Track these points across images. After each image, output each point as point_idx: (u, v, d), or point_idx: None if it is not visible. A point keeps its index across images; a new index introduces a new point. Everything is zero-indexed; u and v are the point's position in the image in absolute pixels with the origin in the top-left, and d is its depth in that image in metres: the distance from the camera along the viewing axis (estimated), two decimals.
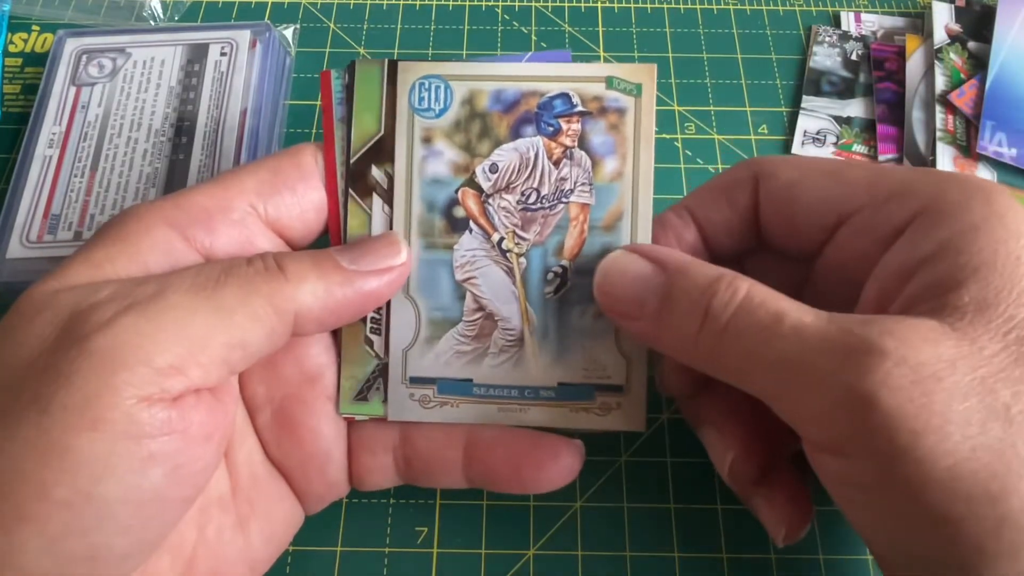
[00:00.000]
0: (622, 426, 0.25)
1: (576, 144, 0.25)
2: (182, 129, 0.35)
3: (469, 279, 0.25)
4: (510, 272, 0.25)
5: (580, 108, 0.25)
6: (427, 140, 0.25)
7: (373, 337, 0.25)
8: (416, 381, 0.25)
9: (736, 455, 0.24)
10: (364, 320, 0.25)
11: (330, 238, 0.26)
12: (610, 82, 0.25)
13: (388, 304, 0.25)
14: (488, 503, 0.29)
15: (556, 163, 0.25)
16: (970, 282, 0.19)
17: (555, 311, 0.25)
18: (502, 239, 0.25)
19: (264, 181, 0.23)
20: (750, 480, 0.25)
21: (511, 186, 0.25)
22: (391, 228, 0.25)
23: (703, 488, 0.30)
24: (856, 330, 0.19)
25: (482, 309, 0.25)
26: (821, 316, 0.20)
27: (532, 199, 0.25)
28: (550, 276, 0.25)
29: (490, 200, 0.25)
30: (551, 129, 0.25)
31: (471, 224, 0.25)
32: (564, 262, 0.25)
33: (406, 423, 0.26)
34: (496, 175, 0.25)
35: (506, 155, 0.25)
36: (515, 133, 0.25)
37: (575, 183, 0.25)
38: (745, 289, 0.21)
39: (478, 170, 0.25)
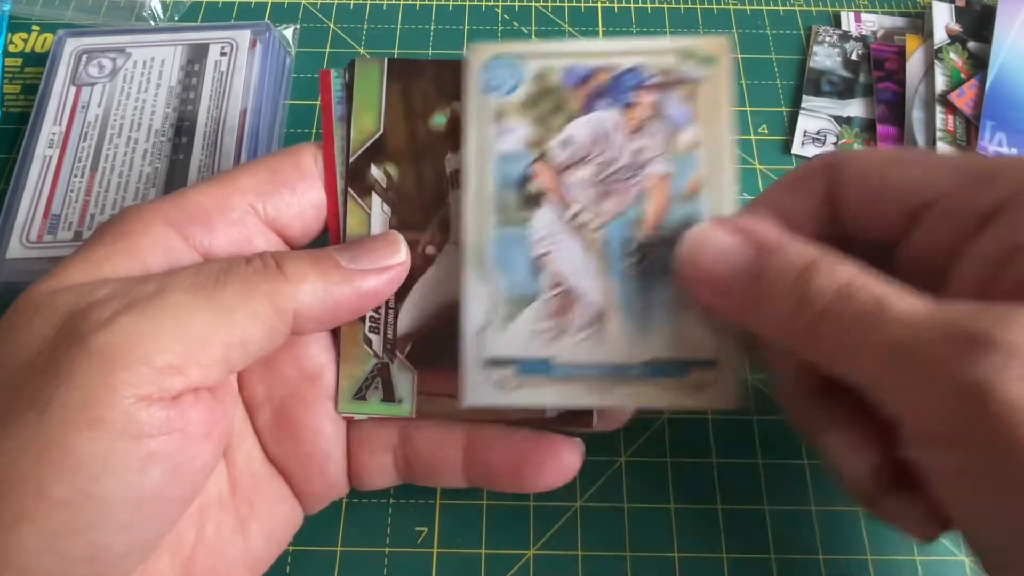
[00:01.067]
0: (717, 404, 0.24)
1: (652, 115, 0.24)
2: (182, 129, 0.35)
3: (545, 255, 0.24)
4: (588, 246, 0.24)
5: (654, 80, 0.24)
6: (499, 117, 0.25)
7: (372, 336, 0.25)
8: (494, 363, 0.24)
9: (879, 461, 0.22)
10: (363, 319, 0.25)
11: (329, 237, 0.26)
12: (684, 53, 0.24)
13: (388, 303, 0.25)
14: (488, 503, 0.29)
15: (632, 134, 0.24)
16: None
17: (638, 285, 0.24)
18: (577, 212, 0.24)
19: (263, 180, 0.24)
20: (887, 487, 0.23)
21: (586, 159, 0.24)
22: (457, 212, 0.25)
23: (703, 488, 0.30)
24: (964, 318, 0.18)
25: (560, 285, 0.24)
26: (926, 303, 0.18)
27: (609, 171, 0.24)
28: (631, 249, 0.24)
29: (565, 174, 0.24)
30: (625, 101, 0.24)
31: (546, 199, 0.24)
32: (646, 234, 0.24)
33: (405, 422, 0.26)
34: (570, 148, 0.24)
35: (580, 128, 0.24)
36: (588, 107, 0.24)
37: (653, 154, 0.24)
38: (847, 271, 0.20)
39: (552, 144, 0.24)
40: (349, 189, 0.25)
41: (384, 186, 0.25)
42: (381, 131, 0.25)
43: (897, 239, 0.24)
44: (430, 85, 0.26)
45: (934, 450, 0.19)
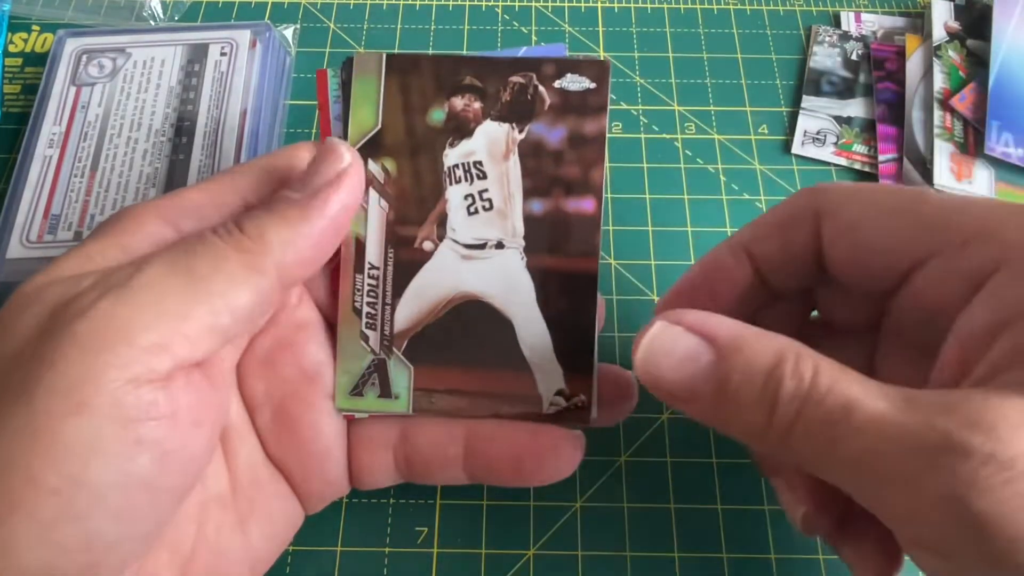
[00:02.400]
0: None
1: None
2: (182, 129, 0.35)
3: None
4: None
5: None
6: None
7: (368, 332, 0.25)
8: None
9: (807, 511, 0.22)
10: (360, 315, 0.25)
11: None
12: None
13: (385, 299, 0.25)
14: (488, 503, 0.29)
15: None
16: None
17: None
18: None
19: (259, 179, 0.24)
20: (825, 533, 0.23)
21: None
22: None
23: (703, 488, 0.30)
24: (937, 421, 0.17)
25: None
26: (895, 402, 0.17)
27: None
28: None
29: None
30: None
31: None
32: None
33: (405, 420, 0.26)
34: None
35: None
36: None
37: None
38: (811, 373, 0.18)
39: None
40: None
41: (381, 181, 0.25)
42: (379, 126, 0.25)
43: (888, 292, 0.23)
44: (428, 80, 0.25)
45: (927, 557, 0.18)
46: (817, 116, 0.39)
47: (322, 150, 0.23)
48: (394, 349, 0.26)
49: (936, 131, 0.37)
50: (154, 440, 0.19)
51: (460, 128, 0.25)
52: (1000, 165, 0.36)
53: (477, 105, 0.25)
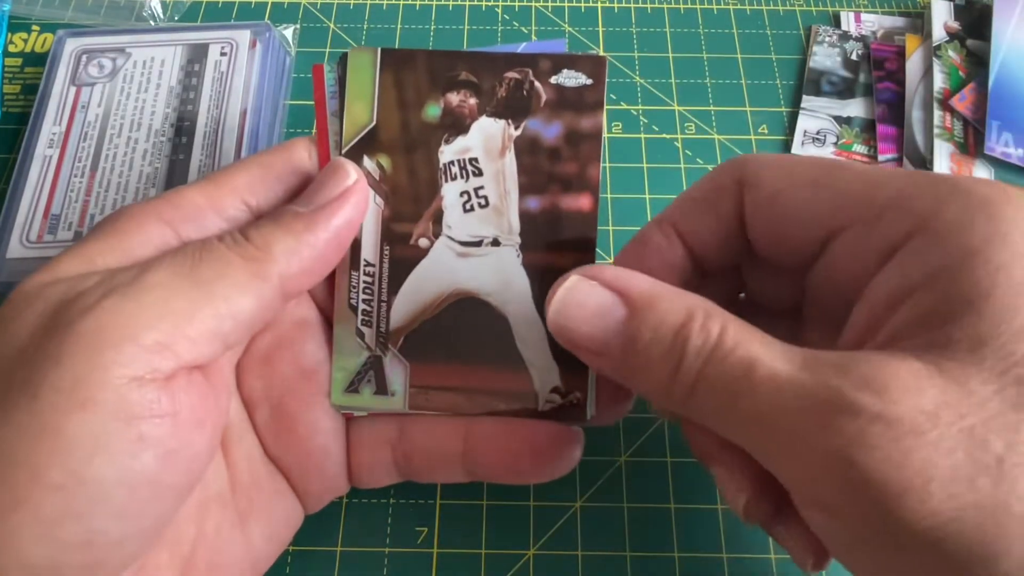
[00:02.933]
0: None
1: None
2: (182, 129, 0.35)
3: None
4: None
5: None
6: None
7: (364, 329, 0.25)
8: None
9: (749, 498, 0.22)
10: (356, 312, 0.25)
11: None
12: None
13: (381, 295, 0.25)
14: (488, 503, 0.29)
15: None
16: (962, 316, 0.17)
17: None
18: None
19: (256, 177, 0.24)
20: (767, 519, 0.23)
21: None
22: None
23: (703, 488, 0.30)
24: (831, 381, 0.17)
25: None
26: (795, 360, 0.18)
27: None
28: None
29: None
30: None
31: None
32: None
33: (404, 418, 0.26)
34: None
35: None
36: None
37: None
38: (718, 330, 0.19)
39: None
40: None
41: (377, 178, 0.25)
42: (374, 122, 0.25)
43: (806, 264, 0.23)
44: (423, 75, 0.25)
45: (815, 514, 0.19)
46: (817, 116, 0.39)
47: (329, 168, 0.24)
48: (390, 346, 0.26)
49: (936, 131, 0.37)
50: (157, 438, 0.19)
51: (456, 124, 0.25)
52: (1000, 165, 0.36)
53: (473, 101, 0.25)
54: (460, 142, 0.25)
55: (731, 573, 0.28)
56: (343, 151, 0.25)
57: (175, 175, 0.34)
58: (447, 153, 0.25)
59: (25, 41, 0.41)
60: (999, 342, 0.17)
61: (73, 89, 0.36)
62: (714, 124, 0.39)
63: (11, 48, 0.41)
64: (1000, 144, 0.36)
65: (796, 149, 0.38)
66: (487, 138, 0.25)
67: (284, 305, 0.22)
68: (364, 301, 0.25)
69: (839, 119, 0.39)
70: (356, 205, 0.23)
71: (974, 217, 0.18)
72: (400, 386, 0.25)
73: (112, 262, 0.21)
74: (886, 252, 0.20)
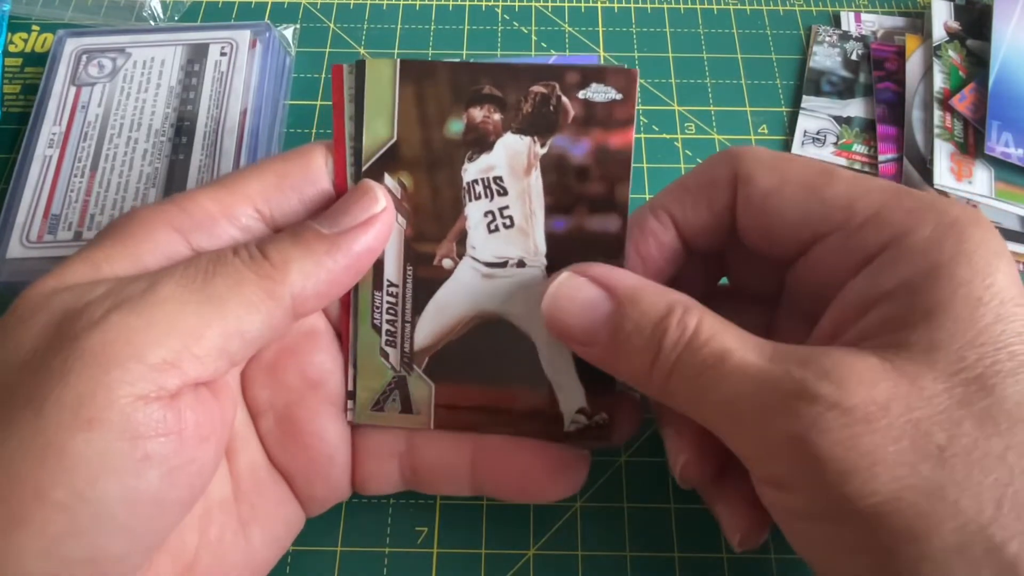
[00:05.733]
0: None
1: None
2: (182, 129, 0.35)
3: None
4: None
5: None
6: None
7: (388, 349, 0.25)
8: None
9: (688, 459, 0.24)
10: (379, 332, 0.25)
11: None
12: None
13: (404, 316, 0.25)
14: (488, 503, 0.29)
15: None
16: (922, 324, 0.19)
17: None
18: None
19: (270, 185, 0.23)
20: (700, 483, 0.25)
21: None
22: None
23: None
24: (795, 372, 0.19)
25: None
26: (764, 353, 0.20)
27: None
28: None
29: None
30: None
31: None
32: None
33: (413, 431, 0.26)
34: None
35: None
36: None
37: None
38: (694, 324, 0.21)
39: None
40: None
41: (398, 196, 0.24)
42: (394, 138, 0.24)
43: (789, 259, 0.24)
44: (445, 88, 0.24)
45: (769, 491, 0.21)
46: (817, 116, 0.39)
47: (360, 190, 0.23)
48: (414, 366, 0.25)
49: (936, 131, 0.37)
50: (162, 456, 0.19)
51: (479, 141, 0.24)
52: (1000, 165, 0.36)
53: (497, 116, 0.24)
54: (484, 160, 0.24)
55: (731, 573, 0.28)
56: (364, 167, 0.24)
57: (175, 175, 0.34)
58: (471, 171, 0.24)
59: (25, 41, 0.41)
60: (953, 348, 0.19)
61: (73, 89, 0.36)
62: (714, 124, 0.39)
63: (11, 48, 0.41)
64: (1000, 144, 0.36)
65: (796, 149, 0.38)
66: (512, 156, 0.24)
67: (293, 324, 0.22)
68: (388, 321, 0.25)
69: (839, 119, 0.39)
70: (379, 234, 0.23)
71: (943, 236, 0.20)
72: (425, 406, 0.25)
73: (120, 269, 0.21)
74: (862, 260, 0.21)
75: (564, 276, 0.23)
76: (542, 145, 0.24)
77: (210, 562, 0.23)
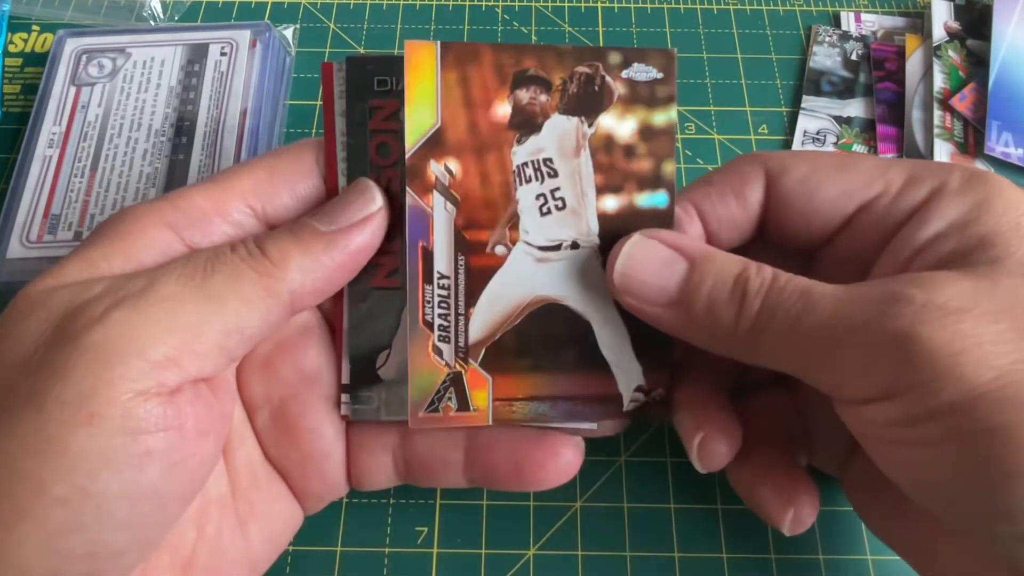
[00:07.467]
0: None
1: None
2: (182, 129, 0.35)
3: None
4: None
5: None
6: None
7: (442, 346, 0.24)
8: None
9: (705, 435, 0.24)
10: (432, 328, 0.24)
11: None
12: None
13: (458, 309, 0.24)
14: (488, 503, 0.29)
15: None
16: (978, 248, 0.21)
17: None
18: None
19: (261, 181, 0.23)
20: (718, 462, 0.24)
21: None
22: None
23: (703, 488, 0.30)
24: (884, 286, 0.20)
25: None
26: (845, 285, 0.21)
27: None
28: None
29: None
30: None
31: None
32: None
33: (405, 425, 0.26)
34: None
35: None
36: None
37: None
38: (771, 272, 0.22)
39: None
40: (408, 188, 0.23)
41: (446, 183, 0.24)
42: (438, 123, 0.23)
43: (819, 245, 0.25)
44: (489, 71, 0.23)
45: (868, 410, 0.20)
46: (817, 116, 0.39)
47: (356, 189, 0.23)
48: (470, 360, 0.25)
49: (936, 131, 0.37)
50: (163, 451, 0.19)
51: (527, 123, 0.24)
52: (1000, 165, 0.36)
53: (543, 98, 0.24)
54: (533, 142, 0.24)
55: (731, 573, 0.28)
56: (408, 155, 0.23)
57: (175, 175, 0.34)
58: (520, 154, 0.24)
59: (25, 41, 0.41)
60: (1013, 259, 0.21)
61: (73, 89, 0.36)
62: (714, 124, 0.39)
63: (11, 48, 0.41)
64: (1000, 144, 0.36)
65: (796, 149, 0.38)
66: (561, 137, 0.24)
67: (288, 319, 0.22)
68: (440, 316, 0.24)
69: (839, 119, 0.39)
70: (375, 233, 0.23)
71: (972, 183, 0.23)
72: (483, 401, 0.25)
73: (116, 267, 0.21)
74: (905, 217, 0.23)
75: (636, 237, 0.23)
76: (589, 125, 0.24)
77: (208, 559, 0.23)
